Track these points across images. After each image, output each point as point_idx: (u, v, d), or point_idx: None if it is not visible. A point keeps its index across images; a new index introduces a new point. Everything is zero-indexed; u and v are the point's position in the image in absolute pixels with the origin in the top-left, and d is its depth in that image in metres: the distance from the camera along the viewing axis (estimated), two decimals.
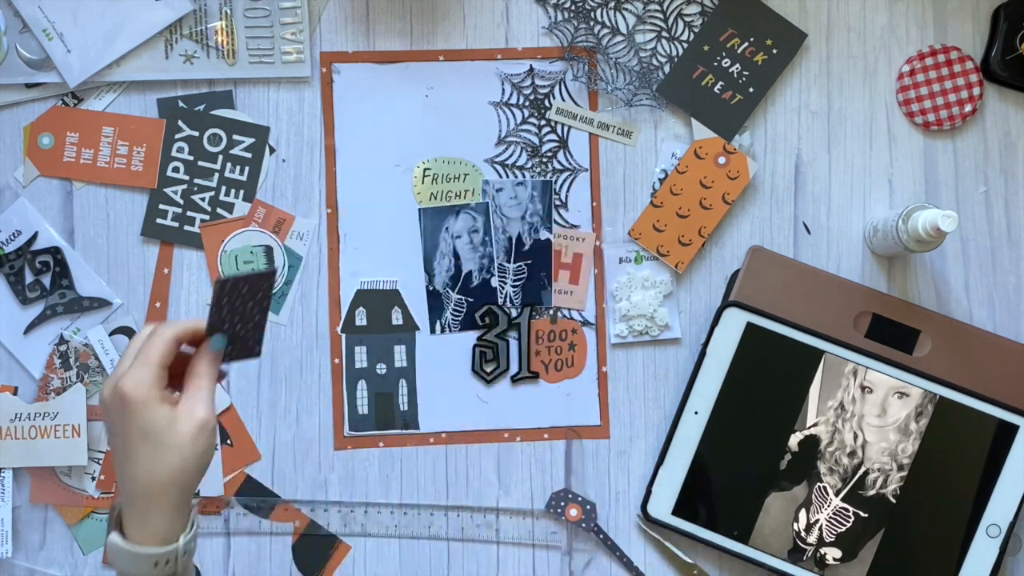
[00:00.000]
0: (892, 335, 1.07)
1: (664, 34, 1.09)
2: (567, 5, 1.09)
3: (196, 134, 1.08)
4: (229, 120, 1.08)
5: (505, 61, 1.09)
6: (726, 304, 1.06)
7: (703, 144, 1.08)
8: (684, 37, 1.09)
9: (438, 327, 1.09)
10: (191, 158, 1.07)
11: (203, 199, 1.08)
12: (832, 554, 1.05)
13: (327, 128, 1.09)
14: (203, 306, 1.08)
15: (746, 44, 1.07)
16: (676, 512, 1.06)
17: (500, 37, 1.09)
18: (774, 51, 1.08)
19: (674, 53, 1.09)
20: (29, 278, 1.07)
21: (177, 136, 1.07)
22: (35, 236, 1.07)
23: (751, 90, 1.08)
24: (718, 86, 1.08)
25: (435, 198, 1.09)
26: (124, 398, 0.79)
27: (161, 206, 1.08)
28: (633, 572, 1.08)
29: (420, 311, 1.09)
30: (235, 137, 1.08)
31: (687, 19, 1.09)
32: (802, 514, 1.05)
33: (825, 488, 1.05)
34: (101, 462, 1.07)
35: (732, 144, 1.08)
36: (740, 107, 1.08)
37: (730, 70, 1.07)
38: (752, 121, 1.09)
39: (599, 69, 1.09)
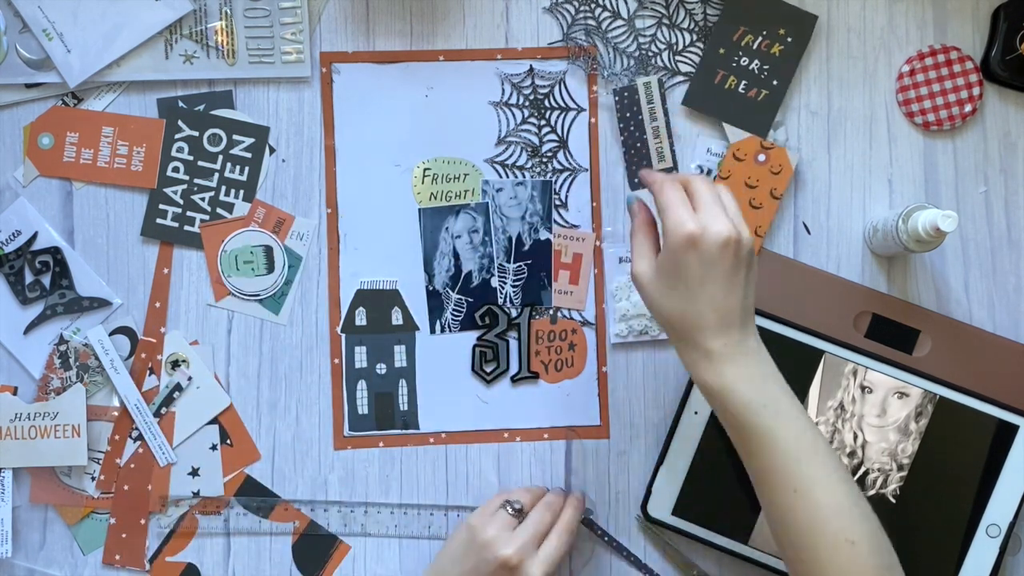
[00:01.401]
0: (892, 335, 1.07)
1: (665, 21, 1.09)
2: None
3: (196, 134, 1.08)
4: (229, 120, 1.08)
5: (505, 61, 1.09)
6: None
7: (740, 146, 1.08)
8: (685, 25, 1.09)
9: (438, 327, 1.09)
10: (191, 158, 1.07)
11: (203, 199, 1.08)
12: None
13: (327, 128, 1.09)
14: (203, 306, 1.08)
15: (760, 38, 1.08)
16: (676, 512, 1.06)
17: (500, 37, 1.09)
18: (789, 39, 1.08)
19: (674, 40, 1.09)
20: (29, 278, 1.07)
21: (177, 136, 1.07)
22: (35, 236, 1.07)
23: (775, 83, 1.08)
24: (742, 85, 1.08)
25: (435, 198, 1.09)
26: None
27: (161, 206, 1.08)
28: (642, 569, 1.08)
29: (420, 311, 1.09)
30: (235, 137, 1.08)
31: (688, 7, 1.09)
32: None
33: None
34: (101, 462, 1.07)
35: (768, 140, 1.08)
36: (768, 102, 1.08)
37: (750, 67, 1.08)
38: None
39: (598, 53, 1.09)
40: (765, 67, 1.08)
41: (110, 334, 1.07)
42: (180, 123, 1.07)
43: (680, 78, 1.09)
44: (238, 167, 1.08)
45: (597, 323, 1.10)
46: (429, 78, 1.09)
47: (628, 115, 1.08)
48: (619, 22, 1.09)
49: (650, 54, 1.09)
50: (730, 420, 0.89)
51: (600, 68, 1.09)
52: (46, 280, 1.07)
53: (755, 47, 1.08)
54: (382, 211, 1.09)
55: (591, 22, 1.09)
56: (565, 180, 1.09)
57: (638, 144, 1.09)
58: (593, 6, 1.09)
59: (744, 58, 1.08)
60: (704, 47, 1.08)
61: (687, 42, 1.09)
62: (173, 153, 1.08)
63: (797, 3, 1.09)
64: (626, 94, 1.09)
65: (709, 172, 1.09)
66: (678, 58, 1.09)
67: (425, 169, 1.09)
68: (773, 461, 0.87)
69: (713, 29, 1.08)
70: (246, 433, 1.08)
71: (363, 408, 1.09)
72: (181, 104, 1.08)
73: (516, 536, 0.98)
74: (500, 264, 1.09)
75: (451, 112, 1.09)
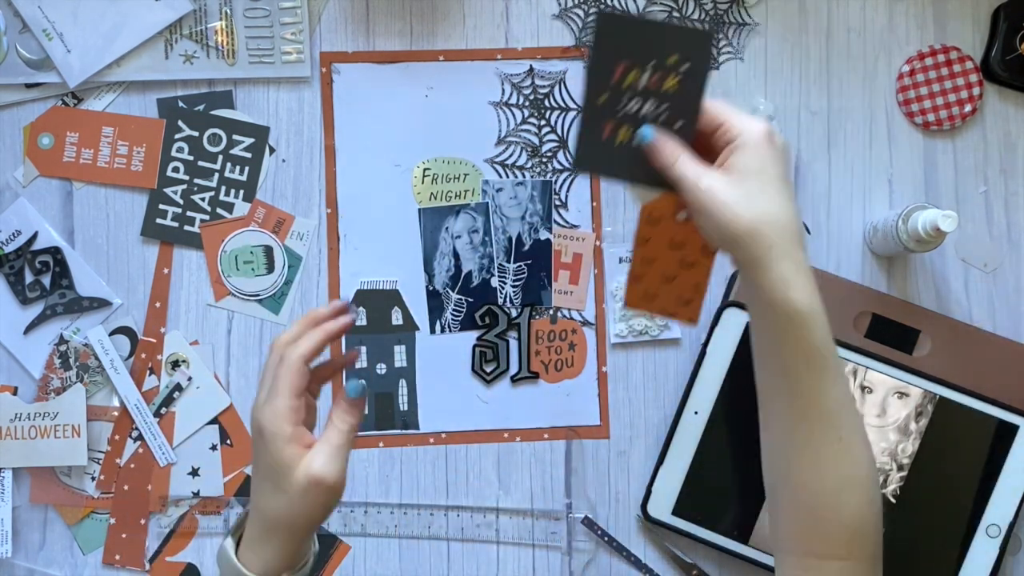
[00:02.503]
0: (892, 335, 1.07)
1: (675, 13, 1.09)
2: None
3: (196, 134, 1.08)
4: (229, 120, 1.08)
5: (505, 61, 1.09)
6: (726, 304, 1.06)
7: (652, 207, 0.84)
8: (696, 17, 1.09)
9: (438, 327, 1.09)
10: (191, 158, 1.07)
11: (203, 199, 1.08)
12: None
13: (327, 128, 1.09)
14: (203, 306, 1.08)
15: (648, 73, 0.81)
16: (676, 512, 1.06)
17: (500, 37, 1.09)
18: (683, 67, 0.81)
19: None
20: (29, 278, 1.07)
21: (177, 136, 1.07)
22: (35, 236, 1.07)
23: (681, 122, 0.81)
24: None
25: (435, 198, 1.09)
26: (260, 430, 0.79)
27: (161, 206, 1.08)
28: (642, 569, 1.08)
29: (420, 311, 1.09)
30: (235, 137, 1.08)
31: None
32: None
33: None
34: (101, 462, 1.07)
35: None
36: None
37: (643, 112, 0.82)
38: None
39: None
40: (664, 105, 0.82)
41: (110, 334, 1.07)
42: (180, 123, 1.07)
43: None
44: (238, 167, 1.08)
45: (597, 323, 1.10)
46: (429, 78, 1.09)
47: None
48: None
49: None
50: (804, 352, 0.76)
51: None
52: (46, 280, 1.07)
53: (643, 85, 0.82)
54: (382, 211, 1.09)
55: None
56: (565, 180, 1.09)
57: None
58: (603, 6, 1.09)
59: (633, 101, 0.82)
60: (580, 100, 0.92)
61: None
62: (173, 153, 1.08)
63: (796, 5, 1.09)
64: None
65: None
66: None
67: (425, 169, 1.09)
68: (833, 403, 0.78)
69: (585, 73, 0.83)
70: (246, 433, 1.08)
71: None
72: (181, 104, 1.08)
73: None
74: (500, 264, 1.09)
75: (451, 112, 1.09)
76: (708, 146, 0.81)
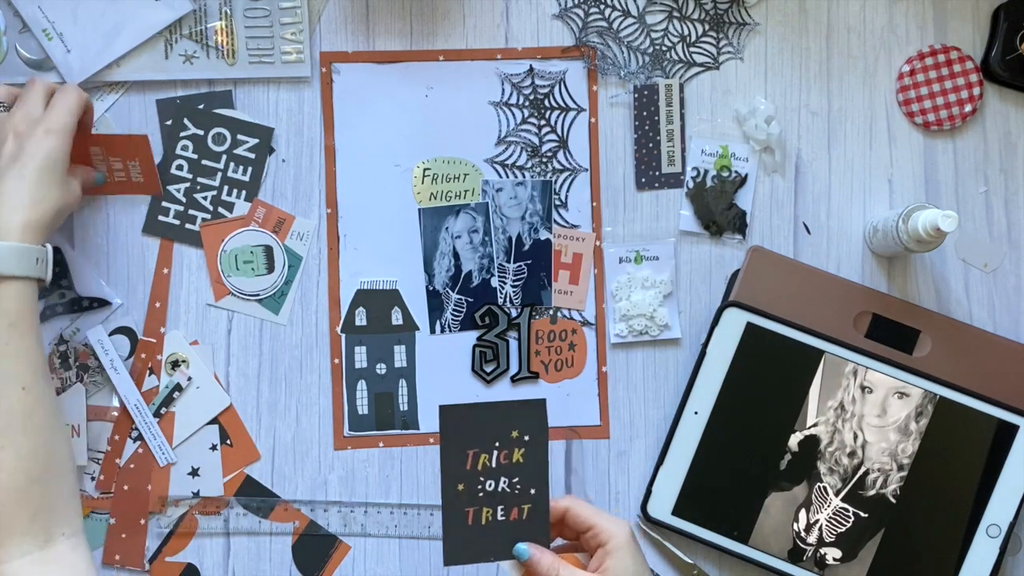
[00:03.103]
0: (892, 335, 1.07)
1: (675, 14, 1.09)
2: None
3: (201, 132, 1.07)
4: (234, 120, 1.08)
5: (505, 61, 1.09)
6: (726, 304, 1.06)
7: None
8: (696, 16, 1.09)
9: (438, 327, 1.09)
10: (195, 156, 1.07)
11: (205, 197, 1.07)
12: (832, 554, 1.05)
13: (327, 128, 1.09)
14: (203, 306, 1.08)
15: (495, 453, 0.91)
16: (676, 512, 1.06)
17: (500, 37, 1.10)
18: (525, 438, 0.91)
19: (686, 32, 1.09)
20: None
21: (183, 134, 1.07)
22: None
23: (534, 489, 0.92)
24: (499, 512, 0.93)
25: (435, 198, 1.09)
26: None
27: (164, 204, 1.07)
28: None
29: (420, 311, 1.09)
30: (239, 137, 1.08)
31: None
32: (802, 514, 1.05)
33: (825, 488, 1.05)
34: (100, 462, 1.07)
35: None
36: (533, 515, 0.93)
37: (499, 489, 0.92)
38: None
39: (612, 54, 1.09)
40: (515, 479, 0.92)
41: (110, 334, 1.07)
42: (186, 121, 1.07)
43: (697, 69, 1.09)
44: (241, 167, 1.08)
45: (597, 323, 1.10)
46: (429, 78, 1.09)
47: (645, 114, 1.08)
48: (630, 20, 1.09)
49: (664, 48, 1.09)
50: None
51: (616, 68, 1.09)
52: None
53: (494, 465, 0.92)
54: (382, 211, 1.09)
55: (602, 23, 1.09)
56: (565, 180, 1.09)
57: (650, 144, 1.09)
58: (603, 7, 1.09)
59: (488, 482, 0.92)
60: (440, 493, 0.92)
61: (700, 33, 1.09)
62: (178, 151, 1.07)
63: (796, 5, 1.09)
64: (646, 92, 1.08)
65: (706, 173, 1.09)
66: (692, 49, 1.09)
67: (425, 169, 1.09)
68: None
69: (441, 466, 0.92)
70: (246, 433, 1.08)
71: (363, 408, 1.08)
72: (179, 104, 1.08)
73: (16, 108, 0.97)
74: (500, 264, 1.09)
75: (451, 112, 1.09)
76: (571, 532, 0.94)
